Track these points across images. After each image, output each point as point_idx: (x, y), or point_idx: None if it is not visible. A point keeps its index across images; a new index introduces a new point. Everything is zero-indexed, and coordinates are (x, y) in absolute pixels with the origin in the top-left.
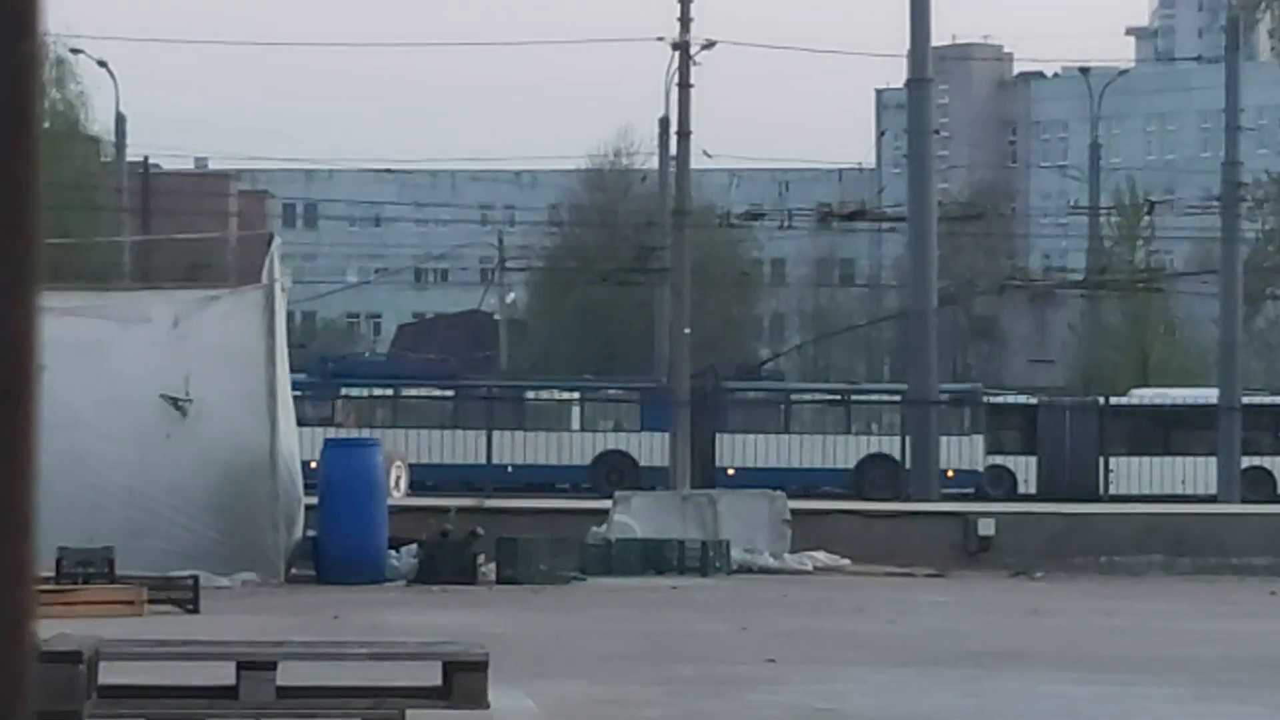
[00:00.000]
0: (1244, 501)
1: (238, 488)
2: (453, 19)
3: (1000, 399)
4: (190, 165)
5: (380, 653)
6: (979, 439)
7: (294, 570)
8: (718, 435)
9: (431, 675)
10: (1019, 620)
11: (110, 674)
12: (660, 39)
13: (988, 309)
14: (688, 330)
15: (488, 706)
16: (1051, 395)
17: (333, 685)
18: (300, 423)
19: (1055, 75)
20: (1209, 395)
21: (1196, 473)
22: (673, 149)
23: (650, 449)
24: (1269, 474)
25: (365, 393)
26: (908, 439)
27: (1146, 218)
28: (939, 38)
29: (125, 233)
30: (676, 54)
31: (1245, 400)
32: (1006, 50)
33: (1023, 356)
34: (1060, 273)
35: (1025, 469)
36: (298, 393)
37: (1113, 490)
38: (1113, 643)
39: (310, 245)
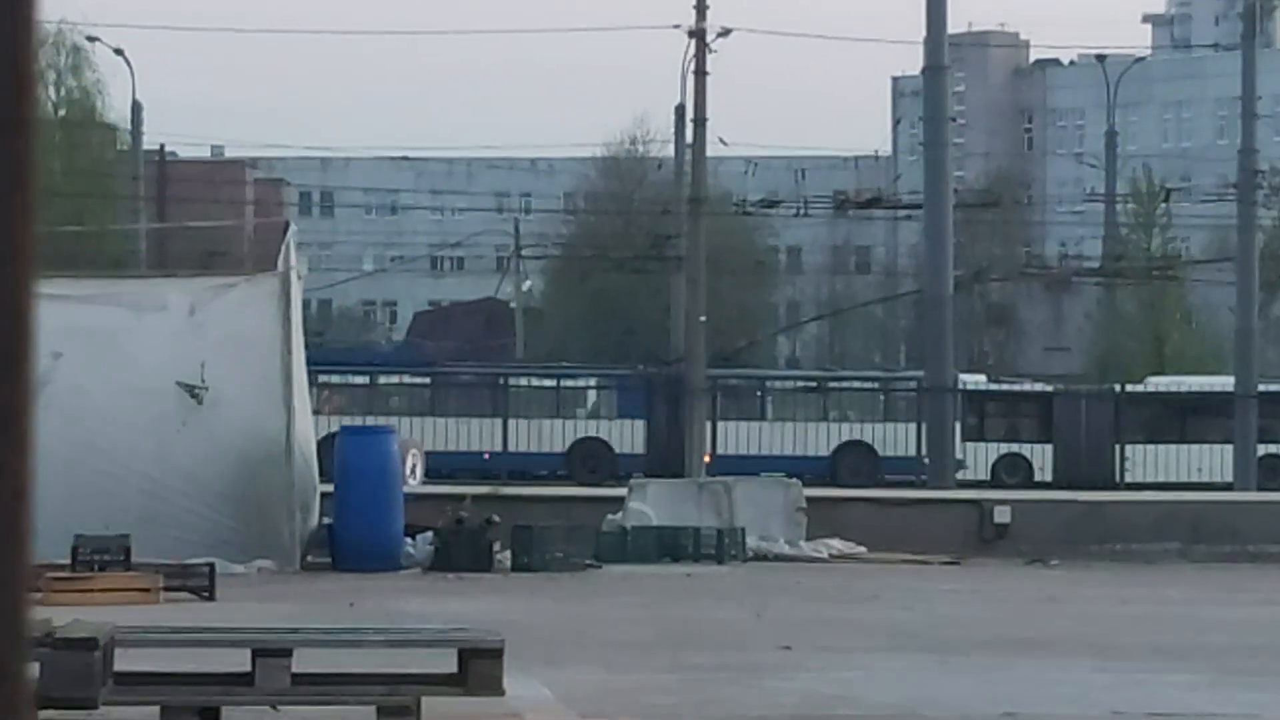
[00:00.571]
0: (1260, 489)
1: (253, 475)
2: (469, 6)
3: (1016, 387)
4: (206, 153)
5: (396, 640)
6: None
7: (309, 558)
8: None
9: (447, 662)
10: (1035, 608)
11: (126, 661)
12: (676, 26)
13: (1004, 297)
14: (703, 318)
15: (503, 693)
16: (1068, 383)
17: (348, 672)
18: None
19: (1072, 63)
20: (1225, 383)
21: (1212, 460)
22: (689, 136)
23: (626, 436)
24: None
25: (342, 380)
26: (922, 426)
27: (1163, 205)
28: (955, 25)
29: (141, 220)
30: (693, 41)
31: (1261, 388)
32: (1023, 37)
33: (1039, 344)
34: (1076, 260)
35: (1041, 457)
36: None
37: (1129, 478)
38: (1128, 630)
39: (326, 233)
